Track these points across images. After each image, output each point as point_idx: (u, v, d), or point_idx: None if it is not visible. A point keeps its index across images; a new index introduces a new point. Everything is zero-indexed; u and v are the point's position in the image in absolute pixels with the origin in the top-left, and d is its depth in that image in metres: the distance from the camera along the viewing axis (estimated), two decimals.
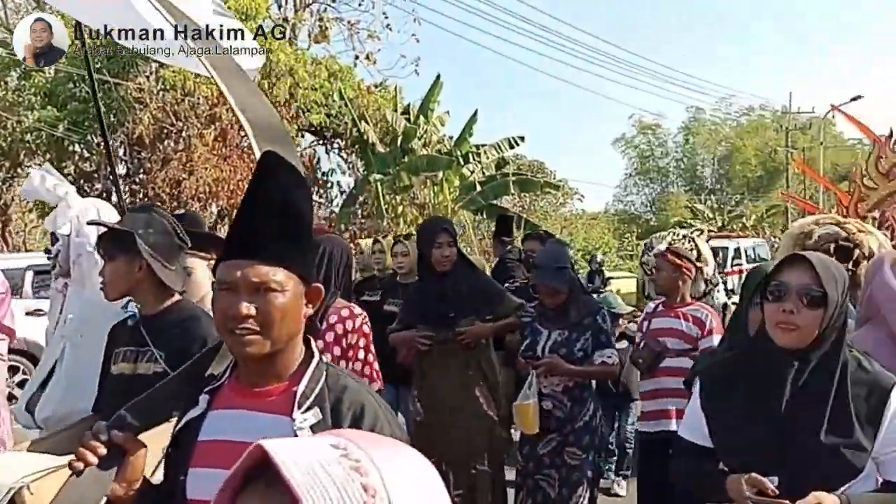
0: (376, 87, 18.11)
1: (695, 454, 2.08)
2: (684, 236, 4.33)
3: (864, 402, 1.86)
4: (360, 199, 16.03)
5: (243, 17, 15.13)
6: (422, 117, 15.40)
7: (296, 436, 1.39)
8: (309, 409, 1.45)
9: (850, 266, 3.35)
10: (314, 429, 1.42)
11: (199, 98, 14.29)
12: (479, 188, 14.81)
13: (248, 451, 0.66)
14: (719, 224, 32.92)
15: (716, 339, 3.88)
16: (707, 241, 5.09)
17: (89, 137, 14.74)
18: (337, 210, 16.59)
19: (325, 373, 1.51)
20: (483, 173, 15.50)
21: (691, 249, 4.14)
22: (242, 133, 15.31)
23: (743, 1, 67.46)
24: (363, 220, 16.33)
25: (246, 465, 0.67)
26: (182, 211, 8.51)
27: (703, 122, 40.29)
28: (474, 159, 15.10)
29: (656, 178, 40.85)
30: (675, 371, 3.84)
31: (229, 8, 14.71)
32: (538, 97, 71.31)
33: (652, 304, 4.25)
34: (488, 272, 5.94)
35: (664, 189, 40.48)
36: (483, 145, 15.56)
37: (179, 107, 14.29)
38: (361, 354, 3.22)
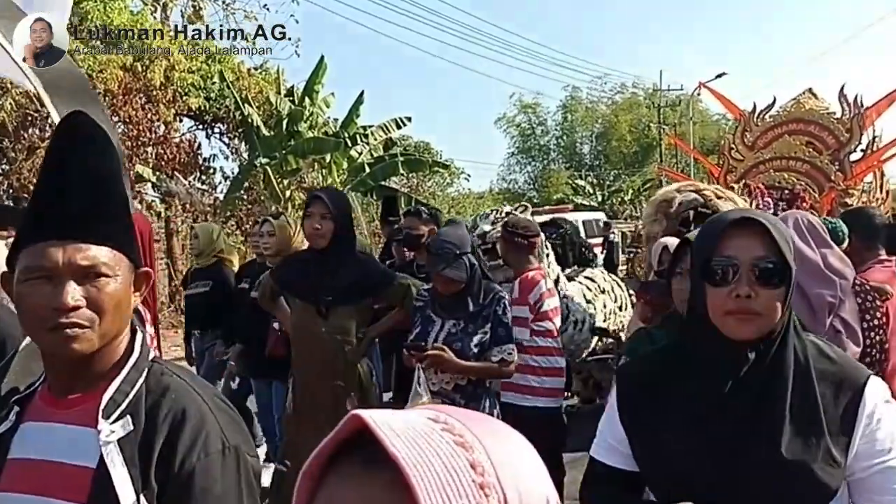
0: (256, 69, 17.66)
1: (614, 482, 1.60)
2: (507, 213, 4.55)
3: (833, 402, 1.43)
4: (246, 184, 15.65)
5: None
6: (307, 99, 15.17)
7: (101, 452, 1.21)
8: (119, 418, 1.23)
9: None
10: (122, 443, 1.21)
11: None
12: (367, 170, 14.78)
13: (344, 420, 0.60)
14: (599, 199, 34.22)
15: (520, 312, 3.82)
16: (539, 215, 5.36)
17: None
18: (221, 197, 16.13)
19: (145, 372, 1.29)
20: (371, 155, 15.46)
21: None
22: (115, 119, 14.63)
23: None
24: (250, 206, 15.95)
25: (341, 436, 0.60)
26: None
27: (580, 101, 41.58)
28: (362, 141, 15.02)
29: (538, 155, 41.88)
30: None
31: None
32: (421, 78, 71.49)
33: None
34: (375, 254, 5.90)
35: (546, 167, 41.56)
36: (370, 126, 15.51)
37: None
38: None
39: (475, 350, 3.21)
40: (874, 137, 10.99)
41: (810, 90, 12.36)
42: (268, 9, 19.78)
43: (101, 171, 1.26)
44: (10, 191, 14.19)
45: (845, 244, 3.68)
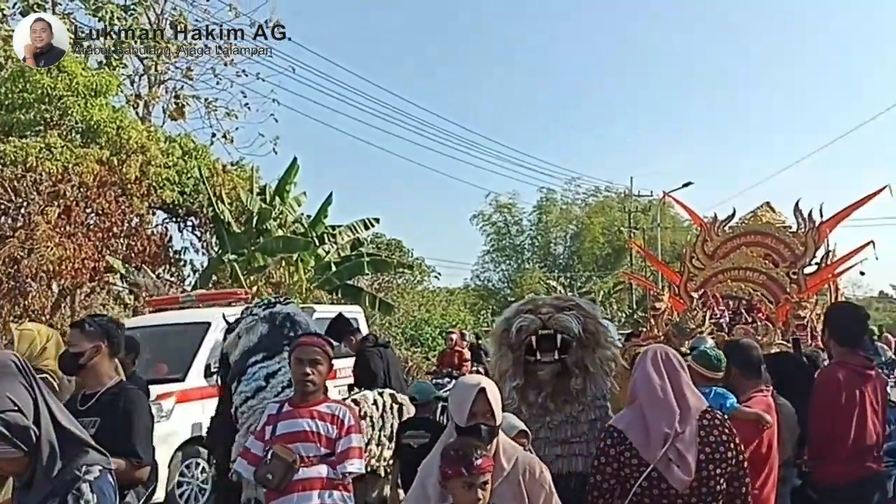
0: (233, 165, 18.04)
1: None
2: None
3: None
4: (214, 278, 15.72)
5: (93, 94, 14.80)
6: (277, 198, 15.48)
7: None
8: None
9: (556, 356, 3.46)
10: None
11: (41, 174, 13.71)
12: (334, 269, 14.95)
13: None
14: None
15: (355, 439, 3.48)
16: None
17: None
18: (189, 289, 16.16)
19: None
20: (338, 254, 15.68)
21: None
22: (88, 210, 14.80)
23: (581, 91, 72.20)
24: None
25: None
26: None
27: (555, 202, 42.46)
28: (329, 240, 15.28)
29: (512, 255, 42.34)
30: (312, 483, 3.38)
31: (77, 84, 14.39)
32: (396, 178, 72.65)
33: (275, 405, 3.64)
34: None
35: (520, 266, 41.97)
36: (339, 226, 15.81)
37: (20, 183, 13.61)
38: None
39: None
40: (828, 252, 11.33)
41: (768, 204, 12.77)
42: (248, 108, 20.40)
43: None
44: None
45: (721, 374, 3.86)
